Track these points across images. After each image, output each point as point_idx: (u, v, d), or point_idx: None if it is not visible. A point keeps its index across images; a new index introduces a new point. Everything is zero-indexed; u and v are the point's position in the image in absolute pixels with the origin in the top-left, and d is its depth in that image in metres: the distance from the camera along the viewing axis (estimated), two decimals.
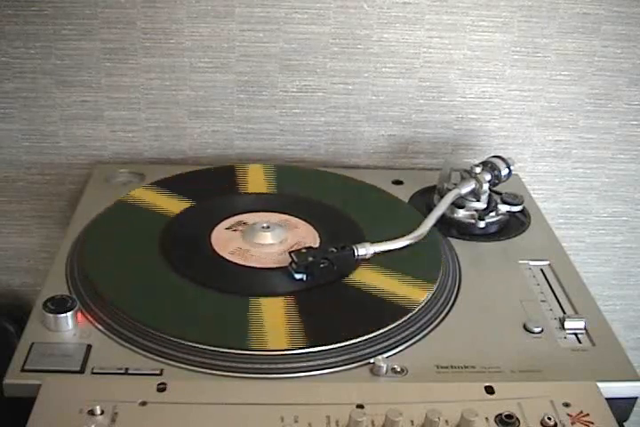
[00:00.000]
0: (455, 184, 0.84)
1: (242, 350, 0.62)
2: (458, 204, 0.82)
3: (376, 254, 0.73)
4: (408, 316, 0.66)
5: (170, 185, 0.85)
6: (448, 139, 0.99)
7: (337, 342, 0.63)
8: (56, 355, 0.61)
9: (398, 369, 0.62)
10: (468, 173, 0.84)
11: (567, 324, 0.68)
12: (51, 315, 0.64)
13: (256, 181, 0.87)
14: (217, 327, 0.65)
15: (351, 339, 0.63)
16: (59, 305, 0.64)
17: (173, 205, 0.82)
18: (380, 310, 0.67)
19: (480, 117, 0.98)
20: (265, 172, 0.89)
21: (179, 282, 0.70)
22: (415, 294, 0.69)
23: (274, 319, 0.65)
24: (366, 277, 0.71)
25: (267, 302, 0.67)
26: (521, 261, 0.78)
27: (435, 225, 0.79)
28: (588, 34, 0.93)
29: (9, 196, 1.00)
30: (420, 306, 0.68)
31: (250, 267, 0.72)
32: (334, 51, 0.92)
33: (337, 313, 0.68)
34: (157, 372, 0.60)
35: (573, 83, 0.96)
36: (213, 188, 0.86)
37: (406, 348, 0.64)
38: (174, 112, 0.95)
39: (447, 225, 0.82)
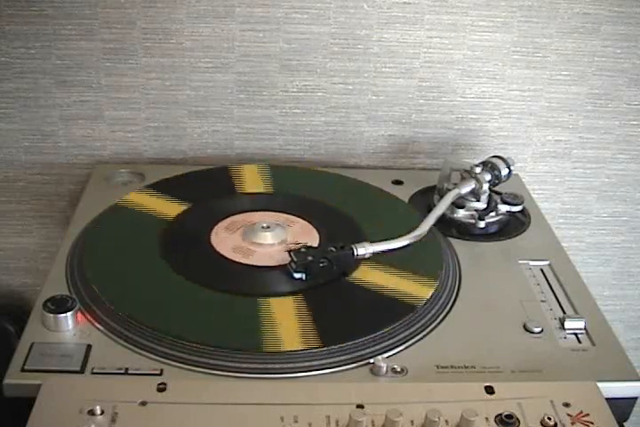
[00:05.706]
0: (455, 184, 0.84)
1: (241, 350, 0.62)
2: (458, 204, 0.82)
3: (376, 254, 0.73)
4: (415, 313, 0.67)
5: (164, 188, 0.85)
6: (448, 139, 0.99)
7: (340, 343, 0.62)
8: (56, 355, 0.61)
9: (398, 369, 0.62)
10: (467, 173, 0.84)
11: (567, 324, 0.68)
12: (51, 315, 0.64)
13: (252, 181, 0.87)
14: (216, 327, 0.64)
15: (351, 339, 0.63)
16: (59, 305, 0.64)
17: (169, 207, 0.81)
18: (387, 308, 0.67)
19: (480, 117, 0.98)
20: (259, 172, 0.89)
21: (178, 282, 0.70)
22: (421, 290, 0.69)
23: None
24: (369, 276, 0.71)
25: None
26: (521, 261, 0.78)
27: (434, 225, 0.79)
28: (588, 34, 0.93)
29: (9, 196, 1.00)
30: (426, 301, 0.68)
31: (250, 266, 0.72)
32: (334, 51, 0.92)
33: (344, 312, 0.68)
34: (157, 372, 0.60)
35: (573, 83, 0.96)
36: (208, 189, 0.85)
37: (406, 348, 0.64)
38: (174, 112, 0.95)
39: (447, 225, 0.82)
